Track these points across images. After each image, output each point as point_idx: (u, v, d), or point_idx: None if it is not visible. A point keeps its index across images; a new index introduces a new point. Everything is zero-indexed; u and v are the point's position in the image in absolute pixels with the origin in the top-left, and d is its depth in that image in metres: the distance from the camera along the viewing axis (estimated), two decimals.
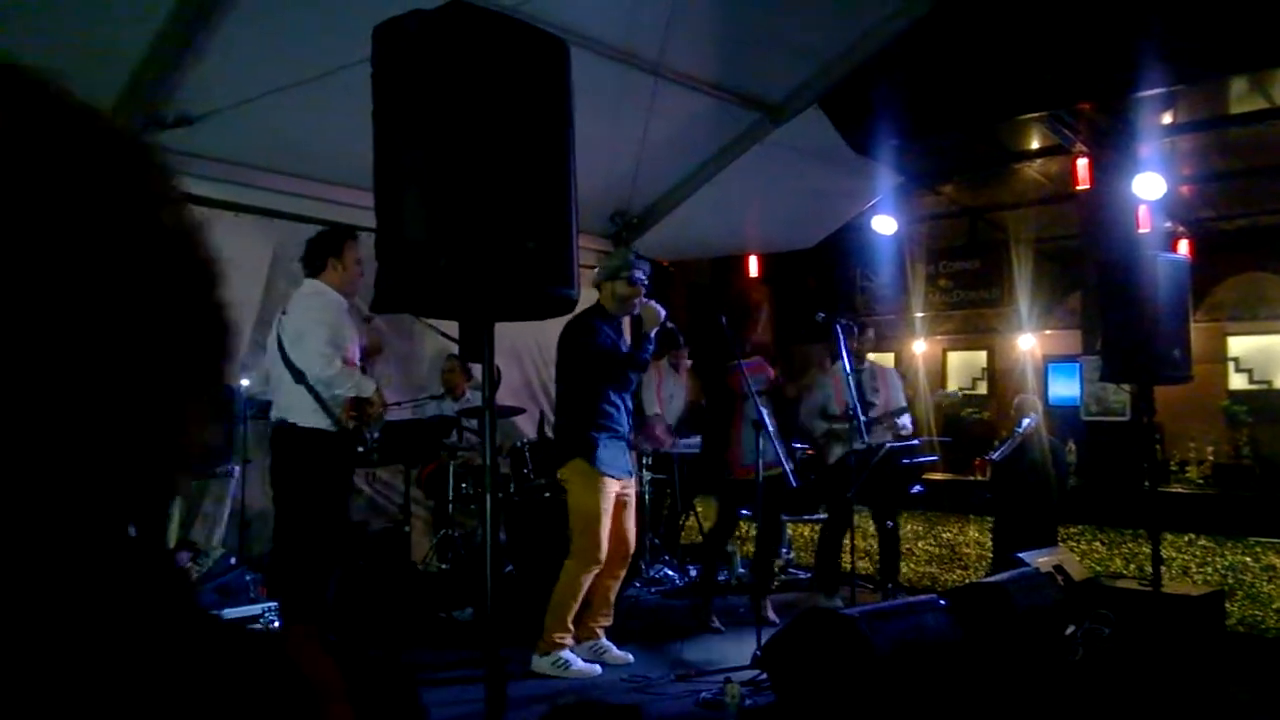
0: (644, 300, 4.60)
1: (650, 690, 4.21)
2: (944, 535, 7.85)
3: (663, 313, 4.57)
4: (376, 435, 4.39)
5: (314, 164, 5.96)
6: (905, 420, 6.22)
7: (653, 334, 4.57)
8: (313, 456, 4.13)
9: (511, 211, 2.25)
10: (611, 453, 4.47)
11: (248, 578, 3.17)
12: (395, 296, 2.30)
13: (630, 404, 4.73)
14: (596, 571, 4.48)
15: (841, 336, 5.28)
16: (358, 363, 4.34)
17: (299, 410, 4.15)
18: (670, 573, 6.84)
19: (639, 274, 4.59)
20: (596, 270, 4.65)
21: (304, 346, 4.15)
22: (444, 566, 5.62)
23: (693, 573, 6.93)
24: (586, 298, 4.47)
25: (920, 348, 11.50)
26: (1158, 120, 7.48)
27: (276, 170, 5.96)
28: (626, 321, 4.87)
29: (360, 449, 4.25)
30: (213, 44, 4.79)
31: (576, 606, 4.47)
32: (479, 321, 2.38)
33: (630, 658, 4.62)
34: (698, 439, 7.12)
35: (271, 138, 5.61)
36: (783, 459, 4.82)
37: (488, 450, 2.25)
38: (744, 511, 6.89)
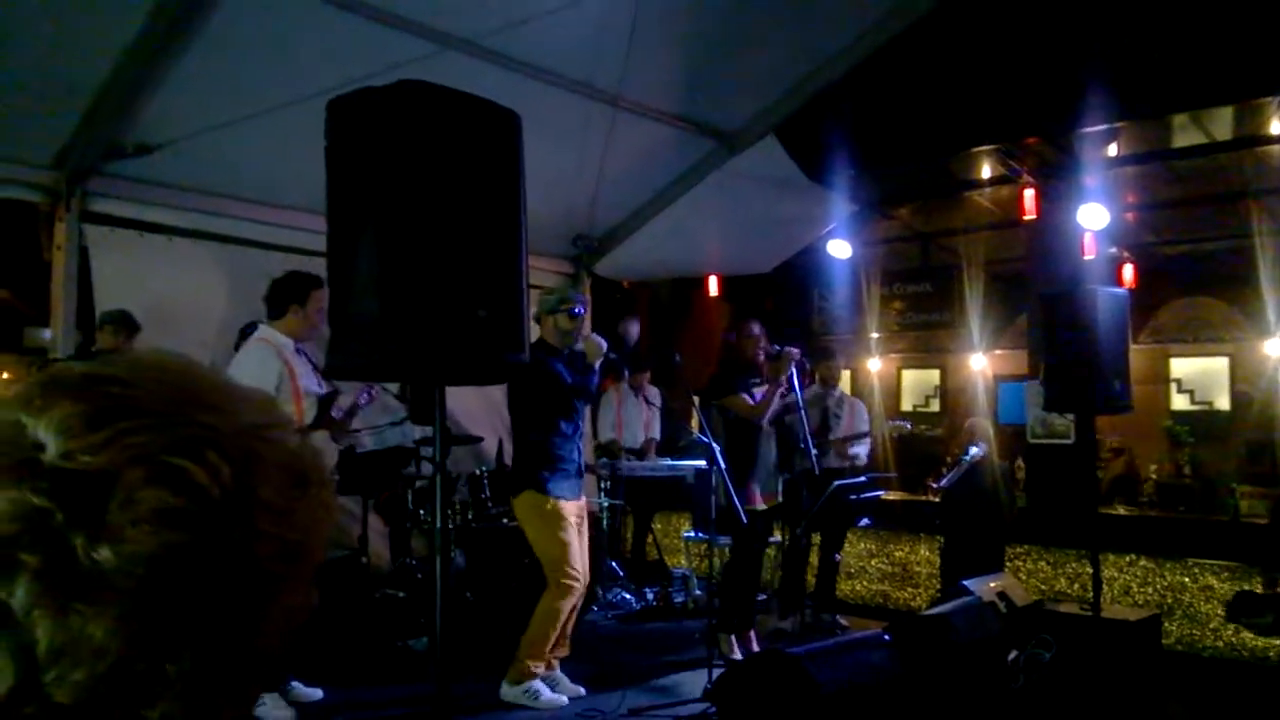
0: (587, 334, 4.72)
1: None
2: (896, 554, 7.98)
3: (604, 345, 4.69)
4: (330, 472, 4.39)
5: (272, 191, 5.99)
6: (860, 450, 6.41)
7: (596, 365, 4.69)
8: None
9: (463, 280, 2.33)
10: (561, 479, 4.57)
11: None
12: (348, 364, 2.37)
13: (583, 430, 4.82)
14: (577, 598, 4.56)
15: (794, 367, 5.41)
16: (306, 395, 4.37)
17: None
18: (627, 596, 6.91)
19: (579, 307, 4.70)
20: (535, 306, 4.72)
21: None
22: (401, 594, 5.65)
23: (649, 595, 7.02)
24: None
25: (875, 366, 11.69)
26: (1102, 152, 7.70)
27: (235, 197, 5.98)
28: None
29: None
30: (172, 75, 4.82)
31: (555, 637, 4.55)
32: (430, 386, 2.44)
33: (582, 690, 4.69)
34: (666, 461, 7.25)
35: (230, 166, 5.64)
36: (732, 491, 4.91)
37: (438, 514, 2.31)
38: (696, 535, 7.01)
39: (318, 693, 4.57)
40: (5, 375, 7.98)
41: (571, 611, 4.68)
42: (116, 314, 5.19)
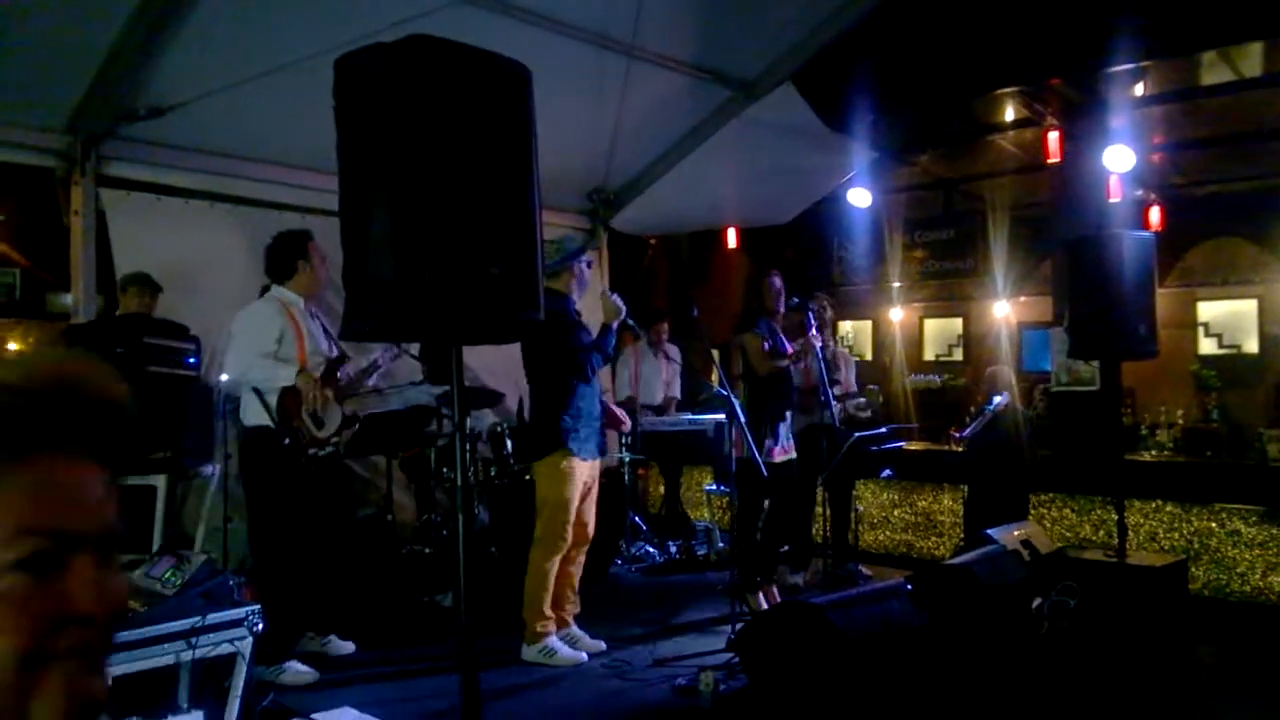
0: (607, 293, 4.68)
1: (629, 677, 4.34)
2: (919, 504, 7.99)
3: (624, 309, 4.63)
4: (333, 433, 4.40)
5: (285, 151, 5.96)
6: (862, 402, 6.41)
7: (614, 326, 4.65)
8: (260, 454, 4.25)
9: (476, 239, 2.30)
10: (586, 438, 4.56)
11: (231, 582, 3.24)
12: (364, 325, 2.36)
13: (600, 384, 4.80)
14: (561, 556, 4.59)
15: (813, 319, 5.37)
16: (315, 354, 4.39)
17: (249, 410, 4.29)
18: (650, 549, 6.96)
19: (589, 256, 4.70)
20: (547, 260, 4.63)
21: (229, 352, 4.35)
22: (427, 550, 5.72)
23: (672, 549, 7.07)
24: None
25: (897, 315, 11.61)
26: (1128, 93, 7.52)
27: (248, 158, 5.96)
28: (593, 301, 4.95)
29: (287, 440, 4.25)
30: (181, 36, 4.79)
31: (550, 592, 4.58)
32: (446, 346, 2.43)
33: (602, 645, 4.73)
34: (686, 416, 7.25)
35: (242, 127, 5.61)
36: (751, 443, 4.89)
37: (459, 474, 2.32)
38: (718, 488, 7.02)
39: (350, 646, 4.65)
40: (31, 339, 8.11)
41: (573, 568, 4.70)
42: (138, 276, 5.21)
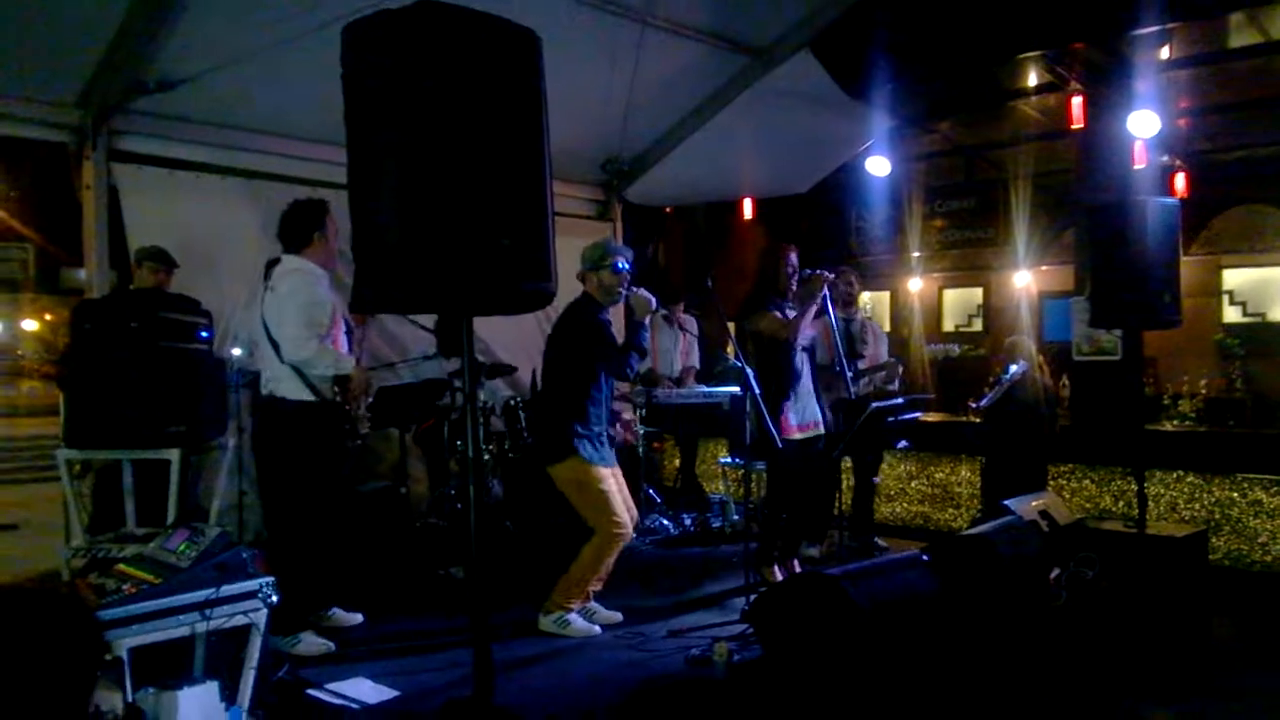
0: (634, 289, 4.61)
1: (643, 648, 4.34)
2: (937, 475, 7.94)
3: (653, 301, 4.60)
4: (364, 411, 4.43)
5: (297, 124, 5.93)
6: (883, 375, 6.36)
7: (646, 321, 4.62)
8: (298, 428, 4.25)
9: (486, 209, 2.26)
10: (599, 449, 4.55)
11: (245, 554, 3.24)
12: (374, 297, 2.33)
13: (612, 391, 4.76)
14: (624, 544, 4.58)
15: (828, 291, 5.30)
16: (343, 331, 4.39)
17: (284, 383, 4.25)
18: (665, 522, 6.96)
19: (621, 261, 4.59)
20: (580, 263, 4.61)
21: (281, 328, 4.25)
22: (442, 524, 5.73)
23: (687, 521, 7.07)
24: (564, 246, 4.45)
25: (916, 286, 11.50)
26: (1154, 56, 7.37)
27: (259, 131, 5.94)
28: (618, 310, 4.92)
29: (347, 426, 4.31)
30: (191, 9, 4.76)
31: (595, 580, 4.60)
32: (456, 318, 2.40)
33: (619, 616, 4.73)
34: (701, 388, 7.21)
35: (253, 99, 5.59)
36: (766, 416, 4.84)
37: (470, 445, 2.30)
38: (733, 460, 6.99)
39: (358, 617, 4.67)
40: (48, 316, 8.15)
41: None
42: (154, 251, 5.20)
